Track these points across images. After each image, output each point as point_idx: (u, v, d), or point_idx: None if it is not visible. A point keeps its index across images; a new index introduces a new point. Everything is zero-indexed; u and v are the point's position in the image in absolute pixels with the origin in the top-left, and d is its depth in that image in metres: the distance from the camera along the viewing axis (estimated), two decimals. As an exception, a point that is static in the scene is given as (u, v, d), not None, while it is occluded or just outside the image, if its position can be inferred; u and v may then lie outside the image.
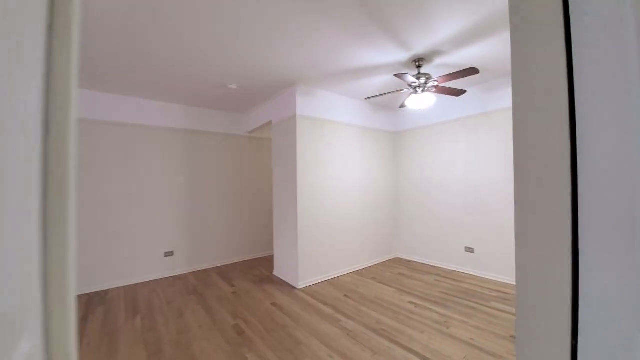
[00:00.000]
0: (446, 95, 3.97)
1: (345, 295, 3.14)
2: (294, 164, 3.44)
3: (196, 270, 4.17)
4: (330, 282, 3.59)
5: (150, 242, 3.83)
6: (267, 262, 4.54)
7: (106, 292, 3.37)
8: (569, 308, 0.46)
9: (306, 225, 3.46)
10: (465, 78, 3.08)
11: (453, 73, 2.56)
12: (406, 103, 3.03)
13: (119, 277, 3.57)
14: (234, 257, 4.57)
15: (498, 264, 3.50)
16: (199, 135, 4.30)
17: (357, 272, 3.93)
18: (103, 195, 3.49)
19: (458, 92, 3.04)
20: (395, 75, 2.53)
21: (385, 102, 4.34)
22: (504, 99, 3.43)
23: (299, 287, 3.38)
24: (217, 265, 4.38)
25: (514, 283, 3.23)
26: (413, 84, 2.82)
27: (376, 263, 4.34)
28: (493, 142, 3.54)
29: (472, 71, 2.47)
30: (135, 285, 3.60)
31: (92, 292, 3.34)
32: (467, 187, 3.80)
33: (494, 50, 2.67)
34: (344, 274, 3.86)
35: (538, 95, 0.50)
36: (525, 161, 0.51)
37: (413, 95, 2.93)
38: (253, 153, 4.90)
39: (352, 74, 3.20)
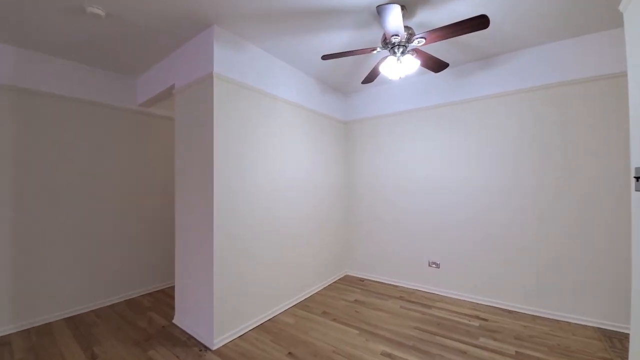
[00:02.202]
0: (413, 79, 3.31)
1: (289, 354, 2.04)
2: (208, 151, 2.18)
3: (29, 326, 2.42)
4: (264, 327, 2.42)
5: None
6: (166, 300, 3.06)
7: None
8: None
9: (227, 242, 2.23)
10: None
11: (454, 24, 1.78)
12: (381, 69, 2.14)
13: None
14: (107, 296, 2.93)
15: (467, 280, 2.95)
16: (39, 99, 2.56)
17: (302, 304, 2.87)
18: None
19: (441, 65, 2.32)
20: (378, 7, 1.60)
21: (338, 81, 3.44)
22: (476, 86, 2.91)
23: (215, 347, 2.12)
24: (74, 314, 2.69)
25: (487, 303, 2.99)
26: (394, 39, 1.95)
27: (325, 286, 3.36)
28: (462, 137, 3.00)
29: (480, 23, 1.73)
30: None
31: None
32: (432, 190, 3.18)
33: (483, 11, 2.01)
34: (285, 309, 2.74)
35: None
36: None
37: (390, 58, 2.06)
38: (145, 136, 3.33)
39: (299, 21, 2.15)
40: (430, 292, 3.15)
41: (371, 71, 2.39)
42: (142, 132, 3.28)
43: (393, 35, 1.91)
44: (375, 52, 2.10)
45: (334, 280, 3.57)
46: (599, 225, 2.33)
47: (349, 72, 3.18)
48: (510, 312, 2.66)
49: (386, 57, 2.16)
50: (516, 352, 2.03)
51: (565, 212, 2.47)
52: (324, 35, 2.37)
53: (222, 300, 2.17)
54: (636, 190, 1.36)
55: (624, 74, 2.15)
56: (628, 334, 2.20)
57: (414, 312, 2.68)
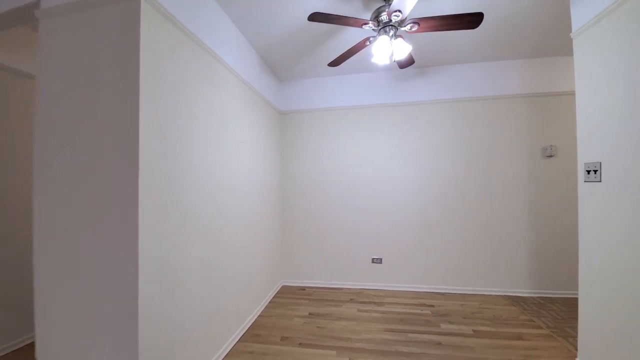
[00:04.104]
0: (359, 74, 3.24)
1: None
2: (127, 132, 1.29)
3: None
4: (212, 383, 1.69)
5: None
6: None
7: None
8: None
9: (154, 273, 1.40)
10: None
11: (450, 16, 1.77)
12: (373, 49, 1.90)
13: None
14: None
15: (406, 272, 3.13)
16: None
17: (251, 334, 2.23)
18: None
19: (411, 61, 2.33)
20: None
21: (279, 64, 2.96)
22: (415, 91, 3.15)
23: None
24: None
25: (424, 290, 3.14)
26: (394, 17, 1.76)
27: (266, 304, 2.78)
28: (400, 138, 3.18)
29: (474, 21, 1.79)
30: None
31: None
32: (373, 188, 3.22)
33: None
34: (231, 347, 2.04)
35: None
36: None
37: (383, 39, 1.87)
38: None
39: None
40: (376, 288, 3.17)
41: (348, 51, 2.13)
42: None
43: (394, 12, 1.72)
44: (366, 27, 1.85)
45: (273, 295, 3.04)
46: (505, 217, 2.95)
47: (297, 54, 2.79)
48: (443, 294, 2.99)
49: (371, 37, 1.96)
50: (473, 330, 2.24)
51: (481, 209, 2.99)
52: (296, -5, 1.92)
53: (155, 363, 1.33)
54: (585, 182, 1.70)
55: (535, 94, 2.83)
56: (527, 297, 2.85)
57: (373, 314, 2.58)
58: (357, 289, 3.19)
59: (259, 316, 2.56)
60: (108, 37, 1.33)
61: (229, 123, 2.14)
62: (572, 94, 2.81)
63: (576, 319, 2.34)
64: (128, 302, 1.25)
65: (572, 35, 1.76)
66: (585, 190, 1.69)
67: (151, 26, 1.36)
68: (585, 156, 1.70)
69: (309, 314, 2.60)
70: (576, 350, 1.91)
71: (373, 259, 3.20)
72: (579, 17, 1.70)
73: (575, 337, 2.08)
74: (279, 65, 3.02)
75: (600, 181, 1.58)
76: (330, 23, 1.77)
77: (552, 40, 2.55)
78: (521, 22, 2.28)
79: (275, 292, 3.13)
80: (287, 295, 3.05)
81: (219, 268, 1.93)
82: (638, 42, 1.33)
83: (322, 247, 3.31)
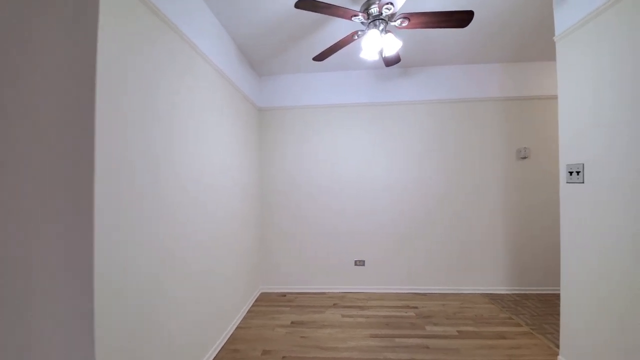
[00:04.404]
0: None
1: None
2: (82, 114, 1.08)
3: None
4: (186, 411, 1.50)
5: None
6: None
7: None
8: None
9: (115, 297, 1.19)
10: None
11: (442, 13, 1.72)
12: (362, 43, 1.80)
13: None
14: None
15: (389, 274, 3.10)
16: None
17: (229, 349, 2.03)
18: None
19: (396, 59, 2.27)
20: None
21: (257, 57, 2.77)
22: (398, 91, 3.12)
23: None
24: None
25: (406, 291, 3.13)
26: (385, 9, 1.68)
27: (244, 314, 2.59)
28: (383, 139, 3.13)
29: (465, 19, 1.75)
30: None
31: None
32: (357, 188, 3.15)
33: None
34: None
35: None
36: None
37: (373, 32, 1.77)
38: None
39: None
40: (358, 291, 3.10)
41: (335, 44, 2.01)
42: None
43: (386, 4, 1.63)
44: (356, 19, 1.75)
45: (252, 304, 2.85)
46: (483, 217, 3.01)
47: (278, 47, 2.63)
48: (425, 294, 2.99)
49: (359, 31, 1.87)
50: (457, 331, 2.24)
51: (460, 209, 3.03)
52: (281, -20, 1.77)
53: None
54: (567, 183, 1.74)
55: (515, 98, 2.91)
56: (504, 294, 2.93)
57: (358, 319, 2.50)
58: (340, 292, 3.10)
59: (237, 328, 2.37)
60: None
61: (204, 116, 1.94)
62: (547, 97, 2.94)
63: (551, 315, 2.44)
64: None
65: (555, 38, 1.79)
66: (567, 191, 1.73)
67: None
68: (567, 158, 1.73)
69: (292, 322, 2.45)
70: (556, 347, 1.96)
71: (356, 261, 3.13)
72: (562, 21, 1.73)
73: (553, 334, 2.14)
74: (258, 58, 2.84)
75: (583, 182, 1.61)
76: (319, 12, 1.65)
77: (530, 45, 2.63)
78: (500, 30, 2.31)
79: (254, 299, 2.94)
80: (266, 303, 2.88)
81: (189, 277, 1.73)
82: (621, 46, 1.36)
83: (304, 250, 3.18)
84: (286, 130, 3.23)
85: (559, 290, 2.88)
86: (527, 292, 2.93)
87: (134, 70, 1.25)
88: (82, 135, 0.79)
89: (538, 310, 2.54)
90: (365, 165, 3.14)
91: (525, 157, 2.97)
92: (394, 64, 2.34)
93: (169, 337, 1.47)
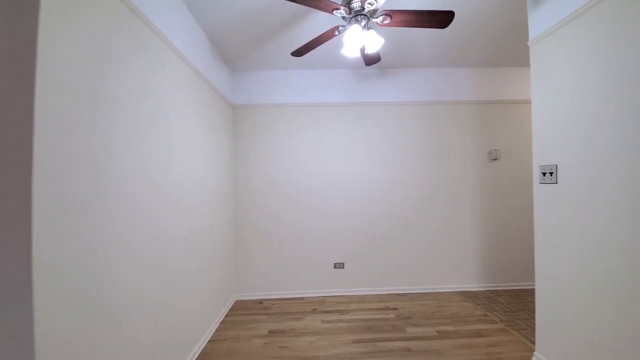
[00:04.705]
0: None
1: None
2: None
3: None
4: None
5: None
6: None
7: None
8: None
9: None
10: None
11: (424, 12, 1.70)
12: (344, 39, 1.72)
13: None
14: None
15: (368, 275, 3.07)
16: None
17: (198, 368, 1.87)
18: None
19: (376, 58, 2.23)
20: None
21: (230, 51, 2.60)
22: (376, 92, 3.10)
23: None
24: None
25: (385, 292, 3.10)
26: (367, 4, 1.62)
27: (217, 326, 2.41)
28: (363, 139, 3.10)
29: (443, 20, 1.74)
30: None
31: None
32: (336, 189, 3.08)
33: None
34: (172, 389, 1.66)
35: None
36: None
37: (355, 28, 1.71)
38: None
39: None
40: (338, 295, 3.03)
41: (315, 39, 1.92)
42: None
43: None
44: (337, 12, 1.67)
45: (226, 313, 2.67)
46: (457, 217, 3.08)
47: (254, 41, 2.48)
48: (404, 295, 3.00)
49: (340, 26, 1.80)
50: (437, 331, 2.25)
51: (436, 208, 3.08)
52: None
53: None
54: (540, 183, 1.79)
55: (487, 102, 2.99)
56: (477, 291, 3.01)
57: (339, 324, 2.42)
58: (320, 297, 3.01)
59: (209, 342, 2.18)
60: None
61: (177, 112, 1.76)
62: (517, 102, 3.08)
63: (523, 310, 2.53)
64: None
65: (529, 43, 1.84)
66: (540, 191, 1.78)
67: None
68: (541, 159, 1.79)
69: (269, 332, 2.32)
70: (530, 343, 2.03)
71: (335, 264, 3.06)
72: (536, 26, 1.78)
73: (526, 330, 2.22)
74: (232, 52, 2.67)
75: (557, 183, 1.67)
76: (299, 3, 1.55)
77: (502, 51, 2.73)
78: (475, 33, 2.37)
79: (228, 309, 2.76)
80: (242, 312, 2.71)
81: (155, 286, 1.55)
82: (604, 46, 1.40)
83: (282, 254, 3.05)
84: (262, 129, 3.08)
85: (527, 285, 3.04)
86: (498, 288, 3.05)
87: (76, 47, 1.07)
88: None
89: (510, 307, 2.63)
90: (344, 166, 3.08)
91: (496, 159, 3.08)
92: (374, 63, 2.30)
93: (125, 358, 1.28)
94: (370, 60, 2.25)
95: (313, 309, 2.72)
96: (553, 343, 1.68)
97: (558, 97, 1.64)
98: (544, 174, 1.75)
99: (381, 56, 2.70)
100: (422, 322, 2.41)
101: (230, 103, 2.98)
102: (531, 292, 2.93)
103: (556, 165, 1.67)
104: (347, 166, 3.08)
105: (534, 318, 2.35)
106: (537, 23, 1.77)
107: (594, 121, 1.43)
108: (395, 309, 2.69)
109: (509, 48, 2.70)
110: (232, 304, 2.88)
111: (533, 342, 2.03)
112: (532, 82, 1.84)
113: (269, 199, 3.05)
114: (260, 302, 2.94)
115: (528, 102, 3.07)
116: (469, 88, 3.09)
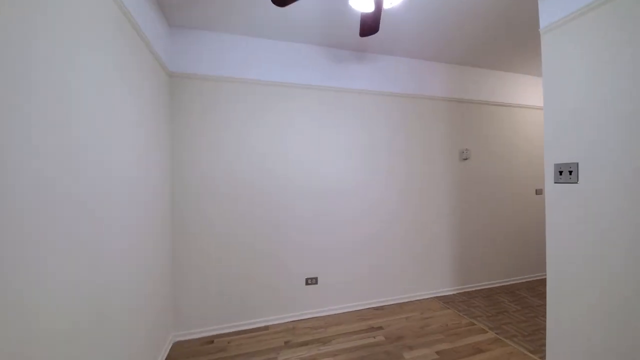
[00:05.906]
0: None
1: None
2: None
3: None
4: None
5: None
6: None
7: None
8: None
9: None
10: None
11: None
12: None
13: None
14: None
15: (345, 290, 2.64)
16: None
17: None
18: None
19: (376, 25, 1.81)
20: None
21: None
22: (353, 77, 2.69)
23: None
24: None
25: (365, 307, 2.68)
26: None
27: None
28: (337, 132, 2.66)
29: None
30: None
31: None
32: (304, 189, 2.56)
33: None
34: None
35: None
36: None
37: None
38: None
39: None
40: (310, 316, 2.51)
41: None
42: None
43: None
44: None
45: (161, 367, 1.86)
46: (428, 219, 2.93)
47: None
48: (382, 308, 2.68)
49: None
50: (436, 352, 1.97)
51: (406, 212, 2.87)
52: None
53: None
54: (555, 182, 1.66)
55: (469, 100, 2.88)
56: (450, 295, 2.91)
57: (323, 359, 1.92)
58: (290, 322, 2.44)
59: None
60: None
61: (86, 69, 0.98)
62: (492, 104, 3.12)
63: (502, 313, 2.48)
64: None
65: (541, 30, 1.70)
66: (555, 191, 1.64)
67: None
68: (555, 157, 1.65)
69: (233, 389, 1.66)
70: (529, 352, 1.92)
71: (307, 279, 2.54)
72: (550, 12, 1.63)
73: (516, 336, 2.13)
74: (173, -5, 1.88)
75: (577, 182, 1.53)
76: None
77: (487, 53, 2.66)
78: (458, 29, 2.20)
79: (164, 357, 1.95)
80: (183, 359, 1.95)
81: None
82: (617, 41, 1.28)
83: (235, 271, 2.36)
84: (207, 108, 2.31)
85: (496, 283, 3.11)
86: (469, 290, 3.02)
87: None
88: None
89: (489, 310, 2.58)
90: (317, 162, 2.58)
91: (466, 159, 3.05)
92: (370, 35, 1.89)
93: None
94: (368, 29, 1.82)
95: (285, 341, 2.15)
96: (567, 352, 1.55)
97: (574, 90, 1.51)
98: (561, 172, 1.61)
99: (362, 40, 2.32)
100: (415, 342, 2.11)
101: (167, 69, 2.14)
102: (499, 290, 2.98)
103: (577, 164, 1.53)
104: (322, 164, 2.59)
105: (516, 321, 2.34)
106: (552, 8, 1.62)
107: (618, 114, 1.30)
108: (381, 327, 2.33)
109: (489, 52, 2.67)
110: (169, 348, 2.07)
111: (531, 351, 1.93)
112: (544, 74, 1.69)
113: (220, 201, 2.33)
114: (210, 341, 2.19)
115: (502, 104, 3.15)
116: (445, 84, 2.98)
